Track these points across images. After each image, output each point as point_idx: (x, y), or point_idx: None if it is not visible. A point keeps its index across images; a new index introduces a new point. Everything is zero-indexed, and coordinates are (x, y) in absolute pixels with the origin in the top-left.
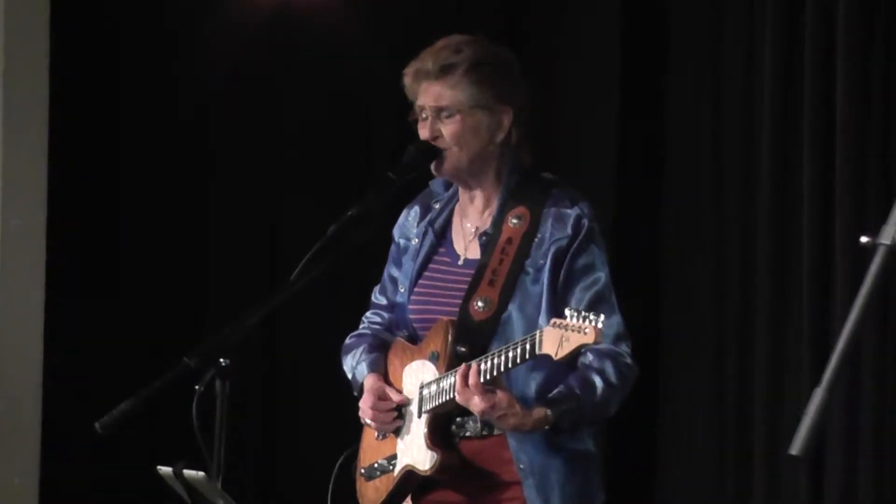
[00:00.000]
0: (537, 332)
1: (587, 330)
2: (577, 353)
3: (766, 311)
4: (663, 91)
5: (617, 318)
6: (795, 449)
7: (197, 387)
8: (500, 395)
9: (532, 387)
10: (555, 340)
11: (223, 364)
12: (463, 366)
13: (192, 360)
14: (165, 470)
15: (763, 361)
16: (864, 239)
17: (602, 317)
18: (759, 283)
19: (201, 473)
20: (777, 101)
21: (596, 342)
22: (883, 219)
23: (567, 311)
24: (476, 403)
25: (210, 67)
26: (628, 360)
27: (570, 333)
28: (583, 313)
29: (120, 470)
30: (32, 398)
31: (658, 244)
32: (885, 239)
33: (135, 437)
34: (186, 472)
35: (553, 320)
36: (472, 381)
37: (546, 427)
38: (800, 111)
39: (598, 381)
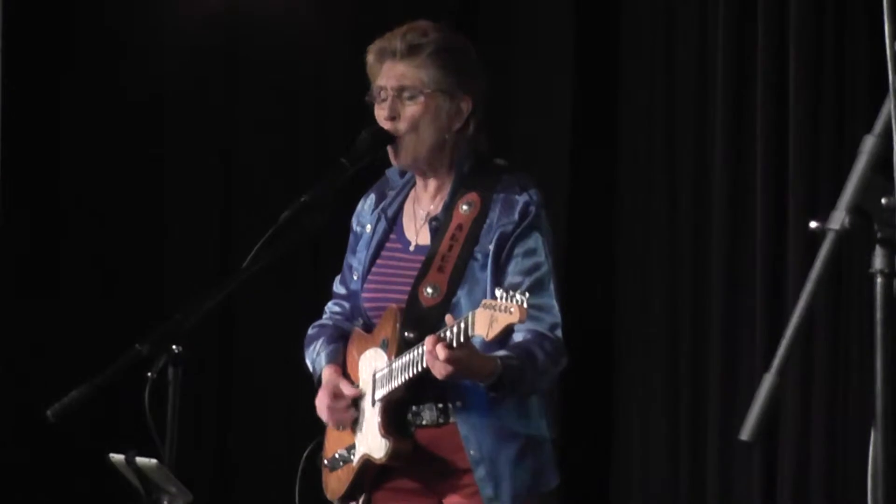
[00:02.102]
0: (469, 314)
1: (512, 309)
2: (510, 331)
3: (720, 297)
4: (617, 78)
5: (555, 308)
6: (745, 434)
7: (149, 374)
8: (450, 353)
9: None
10: (485, 321)
11: (176, 351)
12: (428, 338)
13: (145, 347)
14: (117, 457)
15: (717, 346)
16: (813, 224)
17: (527, 295)
18: (713, 269)
19: (153, 461)
20: (730, 89)
21: (520, 321)
22: (833, 203)
23: (497, 292)
24: (440, 366)
25: (162, 54)
26: (562, 347)
27: (498, 314)
28: (510, 293)
29: (71, 457)
30: None
31: (612, 232)
32: (835, 224)
33: (86, 425)
34: (139, 459)
35: (483, 301)
36: (429, 347)
37: (493, 378)
38: (753, 99)
39: (538, 351)
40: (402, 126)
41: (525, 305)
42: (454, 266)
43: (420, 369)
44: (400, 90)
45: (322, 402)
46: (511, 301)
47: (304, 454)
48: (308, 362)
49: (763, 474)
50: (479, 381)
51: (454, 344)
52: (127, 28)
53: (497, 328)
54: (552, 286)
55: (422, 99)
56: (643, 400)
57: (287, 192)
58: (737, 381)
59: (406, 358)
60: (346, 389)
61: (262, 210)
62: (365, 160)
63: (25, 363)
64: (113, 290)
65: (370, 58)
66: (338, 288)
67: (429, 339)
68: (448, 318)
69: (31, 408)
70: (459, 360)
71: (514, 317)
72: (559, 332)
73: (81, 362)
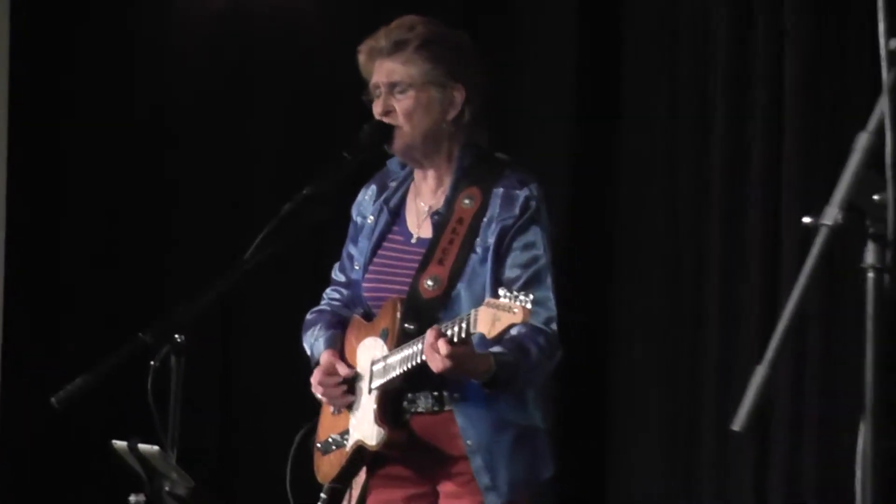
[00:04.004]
0: (472, 312)
1: (516, 309)
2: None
3: (715, 290)
4: (619, 76)
5: (551, 301)
6: (737, 425)
7: (152, 362)
8: (450, 349)
9: None
10: (488, 320)
11: (178, 340)
12: (429, 333)
13: (148, 336)
14: (120, 444)
15: (712, 338)
16: (807, 220)
17: (531, 297)
18: (709, 263)
19: (156, 448)
20: (728, 88)
21: (523, 321)
22: (827, 199)
23: (500, 291)
24: (437, 360)
25: (171, 53)
26: (556, 341)
27: (500, 313)
28: (514, 293)
29: (75, 444)
30: None
31: (610, 226)
32: (827, 220)
33: (90, 412)
34: (141, 446)
35: (487, 300)
36: (430, 341)
37: (487, 376)
38: (750, 97)
39: (532, 346)
40: (396, 119)
41: (528, 306)
42: (454, 259)
43: (418, 362)
44: (391, 86)
45: (315, 379)
46: (515, 301)
47: (297, 437)
48: (306, 346)
49: (756, 465)
50: (474, 378)
51: (455, 340)
52: (134, 24)
53: (499, 327)
54: (549, 280)
55: (412, 92)
56: (639, 391)
57: (293, 185)
58: (731, 372)
59: (406, 351)
60: (341, 369)
61: (270, 203)
62: (366, 153)
63: (32, 353)
64: (118, 283)
65: (361, 57)
66: (337, 275)
67: (430, 332)
68: (432, 327)
69: (37, 395)
70: (459, 356)
71: (518, 317)
72: (554, 326)
73: (84, 351)
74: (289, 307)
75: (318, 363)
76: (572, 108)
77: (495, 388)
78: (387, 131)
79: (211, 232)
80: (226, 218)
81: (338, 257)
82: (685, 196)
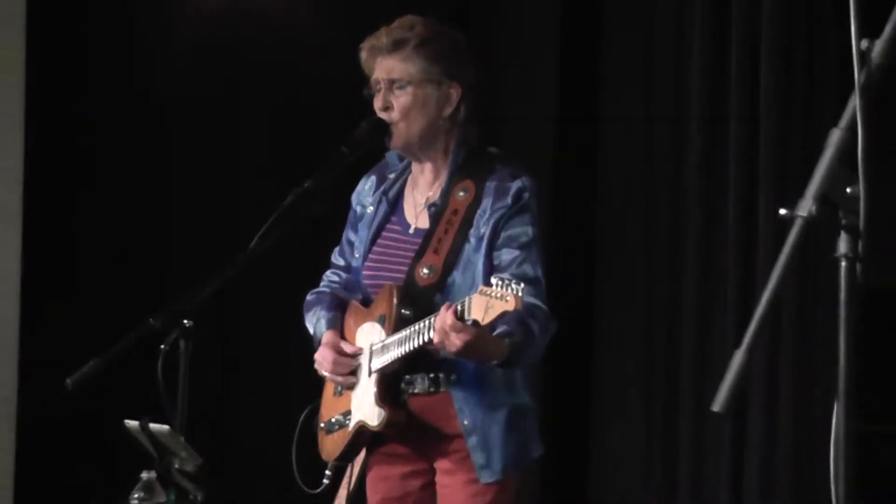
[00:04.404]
0: (466, 300)
1: (508, 297)
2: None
3: (695, 279)
4: (599, 75)
5: (542, 280)
6: (717, 406)
7: (162, 346)
8: (469, 330)
9: None
10: (481, 307)
11: (186, 325)
12: (443, 312)
13: (158, 322)
14: (132, 423)
15: (691, 325)
16: (782, 211)
17: (522, 285)
18: (689, 252)
19: (166, 427)
20: (704, 89)
21: (515, 308)
22: (801, 192)
23: (493, 280)
24: (453, 340)
25: (173, 51)
26: (550, 315)
27: (493, 301)
28: (506, 281)
29: (90, 423)
30: (9, 358)
31: (593, 219)
32: (802, 212)
33: (103, 393)
34: (152, 425)
35: (480, 288)
36: (449, 322)
37: (501, 358)
38: (726, 96)
39: (533, 323)
40: (395, 115)
41: (520, 294)
42: (449, 248)
43: (416, 345)
44: (390, 82)
45: (325, 357)
46: (507, 289)
47: (302, 417)
48: (308, 325)
49: (733, 445)
50: (486, 361)
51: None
52: (139, 24)
53: (492, 314)
54: (540, 260)
55: (410, 89)
56: (620, 375)
57: (290, 177)
58: (709, 357)
59: (403, 334)
60: (347, 347)
61: (268, 196)
62: (363, 148)
63: (48, 339)
64: (123, 272)
65: (363, 54)
66: (336, 259)
67: (448, 315)
68: (445, 305)
69: (53, 378)
70: (475, 339)
71: (510, 304)
72: (545, 301)
73: (96, 337)
74: (287, 290)
75: (319, 342)
76: (555, 104)
77: (507, 367)
78: (383, 128)
79: (208, 224)
80: (221, 210)
81: (333, 246)
82: (664, 191)
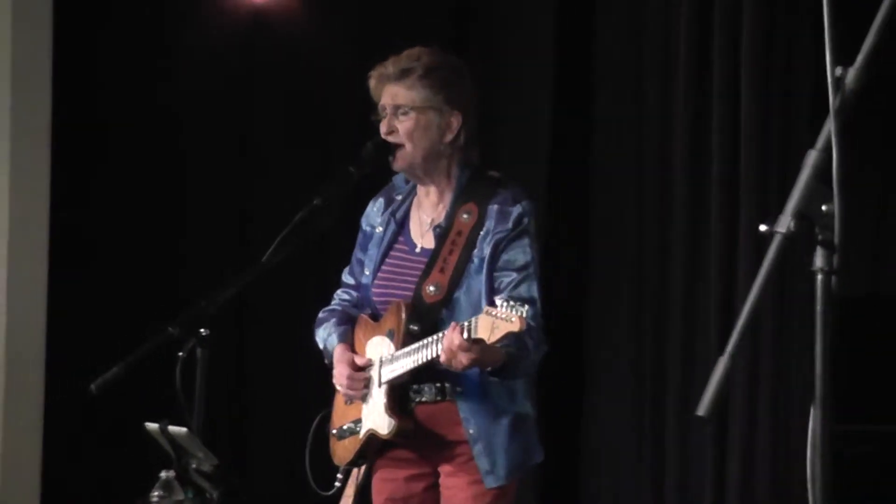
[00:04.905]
0: (473, 320)
1: (513, 319)
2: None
3: (680, 291)
4: (591, 96)
5: (538, 301)
6: (702, 410)
7: (180, 353)
8: (475, 349)
9: None
10: (487, 327)
11: (203, 333)
12: (451, 332)
13: (176, 330)
14: (152, 426)
15: (676, 335)
16: (763, 227)
17: (526, 307)
18: (673, 267)
19: (184, 429)
20: (689, 115)
21: (520, 330)
22: (781, 209)
23: (497, 300)
24: (460, 359)
25: (189, 70)
26: (543, 336)
27: (499, 321)
28: (511, 303)
29: (113, 425)
30: (36, 364)
31: (585, 236)
32: (781, 228)
33: (125, 397)
34: (171, 427)
35: (486, 308)
36: (457, 343)
37: (496, 366)
38: (708, 122)
39: (528, 340)
40: (399, 139)
41: (525, 316)
42: (454, 268)
43: (424, 360)
44: (396, 108)
45: (341, 373)
46: (512, 311)
47: (314, 423)
48: (319, 340)
49: (715, 446)
50: (483, 367)
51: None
52: (160, 33)
53: (498, 334)
54: (536, 282)
55: (413, 115)
56: (610, 383)
57: (298, 190)
58: (694, 364)
59: (412, 348)
60: (359, 360)
61: (276, 207)
62: (368, 168)
63: (73, 346)
64: (146, 282)
65: (372, 82)
66: (346, 278)
67: (455, 335)
68: (453, 324)
69: (77, 383)
70: (478, 353)
71: (514, 326)
72: (540, 321)
73: (118, 345)
74: (297, 302)
75: (331, 355)
76: (549, 125)
77: (501, 377)
78: (386, 148)
79: (220, 232)
80: (233, 218)
81: (341, 260)
82: (652, 209)
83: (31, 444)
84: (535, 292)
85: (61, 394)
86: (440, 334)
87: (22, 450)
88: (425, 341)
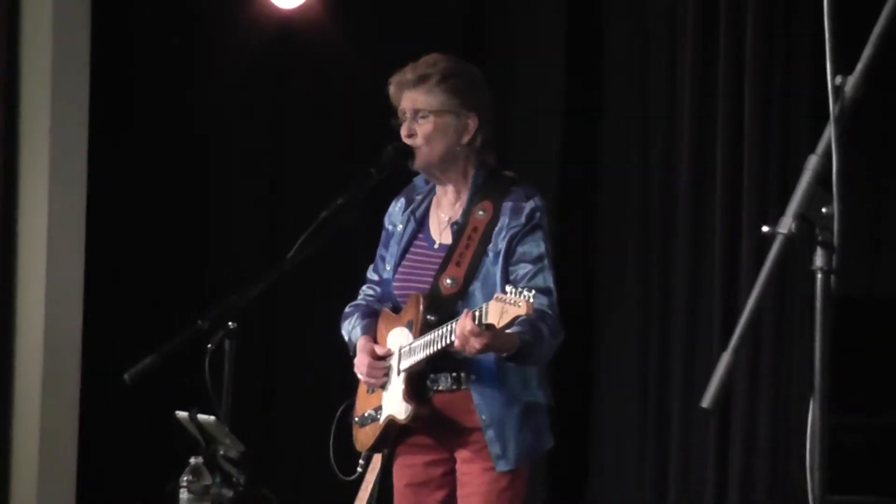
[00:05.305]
0: (483, 306)
1: (521, 303)
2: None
3: (685, 290)
4: (601, 100)
5: (553, 290)
6: (706, 402)
7: (209, 345)
8: (487, 334)
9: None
10: (497, 312)
11: (231, 326)
12: (463, 319)
13: (206, 323)
14: (182, 414)
15: (681, 332)
16: (765, 228)
17: (533, 293)
18: (678, 266)
19: (212, 417)
20: (694, 121)
21: (527, 314)
22: (782, 211)
23: (507, 288)
24: (473, 344)
25: (220, 74)
26: (559, 323)
27: (507, 306)
28: (519, 289)
29: (145, 414)
30: (73, 355)
31: (593, 236)
32: (783, 228)
33: (157, 387)
34: (200, 416)
35: (496, 295)
36: (468, 328)
37: (511, 351)
38: (713, 127)
39: (543, 327)
40: (418, 140)
41: (532, 300)
42: (470, 261)
43: (440, 348)
44: (415, 112)
45: (362, 362)
46: (519, 296)
47: (338, 412)
48: (344, 333)
49: (718, 438)
50: (499, 353)
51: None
52: (192, 49)
53: (507, 318)
54: (551, 273)
55: (431, 118)
56: (617, 380)
57: (324, 189)
58: (697, 361)
59: (428, 337)
60: (379, 350)
61: (302, 207)
62: (389, 170)
63: (108, 338)
64: (175, 278)
65: (392, 88)
66: (371, 275)
67: (467, 321)
68: (465, 311)
69: (111, 372)
70: (490, 339)
71: (522, 309)
72: (557, 310)
73: (151, 336)
74: (323, 297)
75: (355, 346)
76: (560, 125)
77: (517, 362)
78: (407, 151)
79: (250, 234)
80: (262, 221)
81: (362, 256)
82: (657, 212)
83: (68, 430)
84: (550, 282)
85: (97, 383)
86: (453, 323)
87: (59, 435)
88: (440, 330)
